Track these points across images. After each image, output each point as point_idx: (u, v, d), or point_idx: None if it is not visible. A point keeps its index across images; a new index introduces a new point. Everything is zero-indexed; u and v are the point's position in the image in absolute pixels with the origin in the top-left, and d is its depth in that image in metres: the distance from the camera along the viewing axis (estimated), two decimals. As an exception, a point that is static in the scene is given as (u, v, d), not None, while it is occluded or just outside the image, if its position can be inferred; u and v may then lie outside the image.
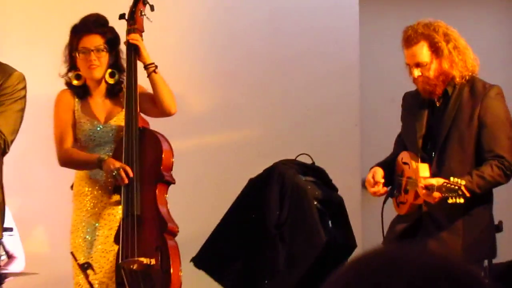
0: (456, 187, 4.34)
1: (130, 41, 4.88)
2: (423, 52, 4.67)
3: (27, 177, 5.78)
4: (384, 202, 4.90)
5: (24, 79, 4.59)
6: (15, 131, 4.52)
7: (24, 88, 4.56)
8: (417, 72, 4.66)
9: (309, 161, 5.24)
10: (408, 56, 4.72)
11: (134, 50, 4.86)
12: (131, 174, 4.74)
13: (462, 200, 4.35)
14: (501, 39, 6.83)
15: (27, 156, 5.67)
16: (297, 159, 5.25)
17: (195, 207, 5.92)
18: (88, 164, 4.86)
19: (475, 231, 4.67)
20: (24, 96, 4.56)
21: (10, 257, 5.51)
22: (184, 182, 5.68)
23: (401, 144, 5.03)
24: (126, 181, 4.70)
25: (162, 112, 4.94)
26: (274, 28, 6.34)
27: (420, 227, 4.73)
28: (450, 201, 4.36)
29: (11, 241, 5.54)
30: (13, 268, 5.51)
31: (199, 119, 6.22)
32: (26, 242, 5.76)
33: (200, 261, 5.08)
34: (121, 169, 4.69)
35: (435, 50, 4.65)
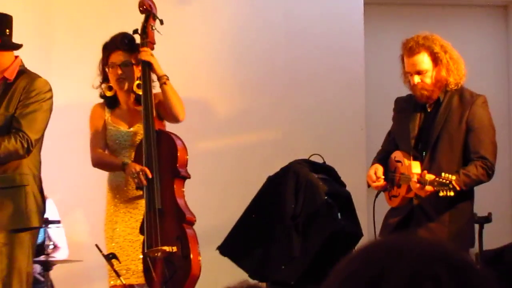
0: (448, 182, 4.44)
1: (142, 58, 4.94)
2: (424, 60, 4.73)
3: (71, 175, 5.85)
4: (377, 195, 5.04)
5: (48, 83, 4.71)
6: (40, 130, 4.64)
7: (49, 91, 4.68)
8: (417, 79, 4.72)
9: (320, 161, 5.29)
10: (409, 65, 4.78)
11: (148, 66, 4.94)
12: (149, 176, 4.81)
13: (452, 193, 4.47)
14: (490, 50, 6.91)
15: (71, 158, 5.74)
16: (310, 158, 5.29)
17: (221, 201, 6.00)
18: (114, 167, 5.00)
19: (459, 223, 4.80)
20: (49, 98, 4.68)
21: (55, 247, 5.67)
22: (211, 178, 6.01)
23: (391, 141, 5.13)
24: (145, 183, 4.78)
25: (172, 118, 5.04)
26: (291, 44, 6.43)
27: (412, 219, 4.82)
28: (441, 194, 4.47)
29: (57, 232, 5.70)
30: (58, 256, 5.67)
31: (225, 123, 6.32)
32: (71, 232, 5.94)
33: (225, 249, 5.14)
34: (140, 173, 4.80)
35: (435, 59, 4.73)
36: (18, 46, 4.73)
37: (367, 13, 6.47)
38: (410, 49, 4.73)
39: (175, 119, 4.99)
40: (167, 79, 4.93)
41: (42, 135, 4.65)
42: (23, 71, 4.68)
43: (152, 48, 4.98)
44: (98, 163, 5.04)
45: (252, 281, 3.79)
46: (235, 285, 2.31)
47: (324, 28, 6.44)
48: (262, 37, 6.41)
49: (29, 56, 5.16)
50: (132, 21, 5.11)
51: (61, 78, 5.58)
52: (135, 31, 4.97)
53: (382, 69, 6.31)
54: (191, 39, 6.11)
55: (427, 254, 1.05)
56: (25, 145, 4.53)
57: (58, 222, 5.45)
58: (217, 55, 6.36)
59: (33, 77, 4.68)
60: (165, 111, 4.99)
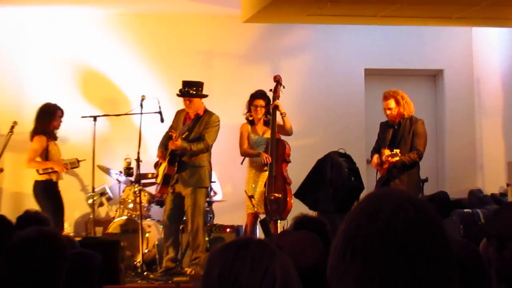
0: (395, 153, 6.14)
1: (274, 105, 6.72)
2: (392, 103, 6.39)
3: (224, 159, 7.59)
4: (377, 172, 6.57)
5: (218, 117, 6.40)
6: (213, 140, 6.47)
7: (218, 121, 6.45)
8: (388, 112, 6.41)
9: (343, 151, 7.04)
10: (385, 104, 6.44)
11: (276, 109, 6.75)
12: (270, 160, 6.54)
13: (397, 158, 6.07)
14: (426, 99, 8.73)
15: (226, 150, 7.47)
16: (338, 151, 7.03)
17: (299, 172, 7.26)
18: (254, 155, 6.86)
19: (412, 181, 6.32)
20: (218, 125, 6.44)
21: (214, 193, 7.69)
22: (295, 162, 7.36)
23: (378, 144, 6.64)
24: (269, 161, 6.49)
25: (286, 134, 6.90)
26: (323, 95, 8.42)
27: (389, 179, 6.37)
28: (394, 159, 6.07)
29: (216, 186, 7.83)
30: (216, 198, 7.79)
31: (295, 134, 7.54)
32: (222, 186, 8.04)
33: (297, 194, 6.94)
34: (266, 158, 6.52)
35: (397, 102, 6.37)
36: (206, 96, 6.61)
37: (367, 79, 8.45)
38: (386, 97, 6.45)
39: (288, 135, 6.96)
40: (285, 115, 6.85)
41: (212, 143, 6.41)
42: (206, 110, 6.48)
43: (278, 99, 6.86)
44: (244, 154, 6.96)
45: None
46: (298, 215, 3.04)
47: (343, 87, 8.46)
48: (311, 89, 8.38)
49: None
50: (267, 83, 6.92)
51: (219, 107, 7.52)
52: (271, 90, 6.85)
53: (374, 111, 7.58)
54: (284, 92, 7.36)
55: (401, 198, 1.32)
56: (207, 147, 6.32)
57: (214, 182, 7.56)
58: (296, 98, 8.19)
59: (211, 114, 6.48)
60: (282, 129, 6.88)
